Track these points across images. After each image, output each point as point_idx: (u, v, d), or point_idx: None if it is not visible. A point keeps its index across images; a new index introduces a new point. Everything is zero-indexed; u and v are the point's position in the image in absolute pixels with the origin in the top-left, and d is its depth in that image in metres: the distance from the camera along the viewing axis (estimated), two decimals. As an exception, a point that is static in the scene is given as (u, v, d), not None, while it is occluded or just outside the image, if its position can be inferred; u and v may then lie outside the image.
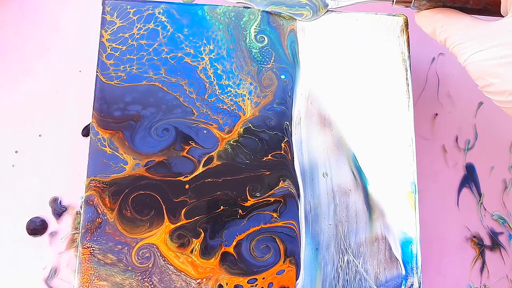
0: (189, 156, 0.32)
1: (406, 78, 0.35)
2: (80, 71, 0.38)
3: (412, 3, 0.30)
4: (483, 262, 0.38)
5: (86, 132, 0.37)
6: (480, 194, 0.39)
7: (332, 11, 0.34)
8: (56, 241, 0.36)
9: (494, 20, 0.28)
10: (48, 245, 0.35)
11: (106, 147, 0.32)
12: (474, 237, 0.39)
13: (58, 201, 0.36)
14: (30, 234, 0.35)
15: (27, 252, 0.35)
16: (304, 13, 0.34)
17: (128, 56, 0.34)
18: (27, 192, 0.36)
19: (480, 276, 0.38)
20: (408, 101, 0.34)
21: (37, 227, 0.35)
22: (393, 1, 0.31)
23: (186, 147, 0.33)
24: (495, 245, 0.38)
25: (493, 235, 0.39)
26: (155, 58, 0.34)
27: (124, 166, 0.32)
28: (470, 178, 0.40)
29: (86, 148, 0.32)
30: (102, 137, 0.32)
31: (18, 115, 0.37)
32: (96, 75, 0.33)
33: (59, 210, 0.36)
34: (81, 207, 0.36)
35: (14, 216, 0.36)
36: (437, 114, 0.41)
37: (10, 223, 0.35)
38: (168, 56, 0.34)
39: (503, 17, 0.28)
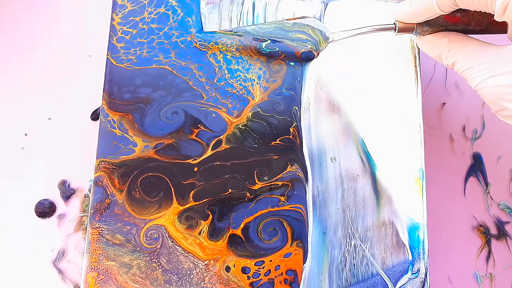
0: (198, 139, 0.33)
1: (415, 65, 0.35)
2: (90, 56, 0.39)
3: (415, 30, 0.30)
4: (489, 251, 0.38)
5: (95, 116, 0.38)
6: (487, 184, 0.39)
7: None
8: (64, 223, 0.36)
9: (493, 38, 0.28)
10: (56, 227, 0.36)
11: (115, 129, 0.32)
12: (481, 226, 0.39)
13: (67, 184, 0.36)
14: (39, 216, 0.36)
15: (35, 234, 0.35)
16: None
17: (138, 40, 0.34)
18: (36, 175, 0.36)
19: (486, 265, 0.38)
20: (416, 88, 0.34)
21: (45, 209, 0.36)
22: (395, 30, 0.30)
23: (195, 130, 0.33)
24: (501, 234, 0.38)
25: (500, 225, 0.39)
26: (165, 41, 0.34)
27: (134, 148, 0.32)
28: (477, 167, 0.40)
29: (95, 132, 0.32)
30: (112, 119, 0.32)
31: (28, 99, 0.37)
32: (107, 57, 0.33)
33: (67, 192, 0.36)
34: (89, 190, 0.36)
35: (23, 198, 0.36)
36: (444, 104, 0.41)
37: (19, 205, 0.36)
38: (178, 40, 0.34)
39: (506, 31, 0.28)
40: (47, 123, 0.37)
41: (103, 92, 0.33)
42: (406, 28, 0.30)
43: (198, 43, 0.33)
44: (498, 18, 0.26)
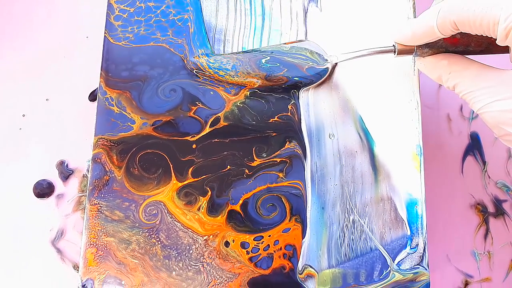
0: (196, 116, 0.33)
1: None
2: (87, 37, 0.39)
3: (414, 52, 0.30)
4: (487, 229, 0.38)
5: (93, 97, 0.38)
6: (484, 162, 0.40)
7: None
8: (62, 203, 0.36)
9: (493, 60, 0.27)
10: (55, 207, 0.36)
11: (113, 106, 0.32)
12: (478, 204, 0.39)
13: (65, 164, 0.36)
14: (37, 197, 0.36)
15: (34, 214, 0.35)
16: None
17: (136, 18, 0.34)
18: (34, 155, 0.36)
19: (484, 243, 0.38)
20: (413, 65, 0.35)
21: (44, 190, 0.36)
22: (394, 53, 0.30)
23: (193, 107, 0.33)
24: (499, 212, 0.39)
25: (497, 203, 0.39)
26: (163, 20, 0.34)
27: (132, 125, 0.32)
28: (474, 147, 0.40)
29: (93, 113, 0.32)
30: (109, 96, 0.32)
31: (25, 80, 0.37)
32: (104, 36, 0.33)
33: (66, 173, 0.36)
34: (87, 171, 0.36)
35: (21, 178, 0.36)
36: (441, 85, 0.41)
37: (18, 186, 0.36)
38: (176, 18, 0.34)
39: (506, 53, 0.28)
40: (45, 104, 0.37)
41: (101, 70, 0.33)
42: (405, 50, 0.30)
43: (194, 69, 0.33)
44: (500, 42, 0.25)
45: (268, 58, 0.33)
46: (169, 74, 0.33)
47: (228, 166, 0.32)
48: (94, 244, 0.30)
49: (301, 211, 0.32)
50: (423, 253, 0.32)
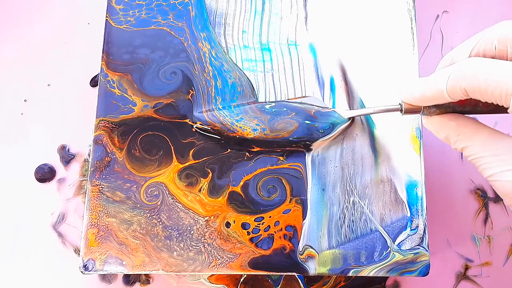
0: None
1: (411, 27, 0.35)
2: (88, 23, 0.39)
3: (422, 111, 0.28)
4: (487, 214, 0.38)
5: (94, 83, 0.38)
6: (483, 148, 0.40)
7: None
8: (64, 187, 0.36)
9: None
10: (56, 192, 0.36)
11: (115, 89, 0.32)
12: (478, 189, 0.39)
13: (66, 149, 0.36)
14: (39, 181, 0.36)
15: (35, 198, 0.35)
16: None
17: (137, 2, 0.34)
18: (36, 140, 0.36)
19: (483, 227, 0.38)
20: (413, 48, 0.35)
21: (45, 174, 0.36)
22: (401, 111, 0.29)
23: (191, 91, 0.33)
24: (499, 197, 0.39)
25: (497, 188, 0.39)
26: (164, 3, 0.34)
27: (133, 107, 0.32)
28: (474, 132, 0.40)
29: (94, 98, 0.33)
30: (111, 79, 0.33)
31: (27, 65, 0.38)
32: (106, 19, 0.33)
33: (67, 157, 0.36)
34: (89, 155, 0.36)
35: (23, 163, 0.36)
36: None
37: (19, 170, 0.36)
38: (176, 2, 0.34)
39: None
40: (46, 89, 0.37)
41: (102, 52, 0.33)
42: (412, 109, 0.28)
43: (199, 126, 0.32)
44: None
45: (273, 104, 0.33)
46: (170, 57, 0.33)
47: (229, 150, 0.32)
48: (96, 225, 0.30)
49: (301, 193, 0.32)
50: (423, 235, 0.32)
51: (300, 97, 0.33)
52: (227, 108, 0.32)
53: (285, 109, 0.32)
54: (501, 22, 0.25)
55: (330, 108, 0.33)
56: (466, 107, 0.27)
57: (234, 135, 0.32)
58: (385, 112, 0.30)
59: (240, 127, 0.32)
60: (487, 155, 0.26)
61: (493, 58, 0.24)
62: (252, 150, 0.32)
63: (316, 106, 0.33)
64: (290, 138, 0.32)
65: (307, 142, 0.32)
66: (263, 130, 0.32)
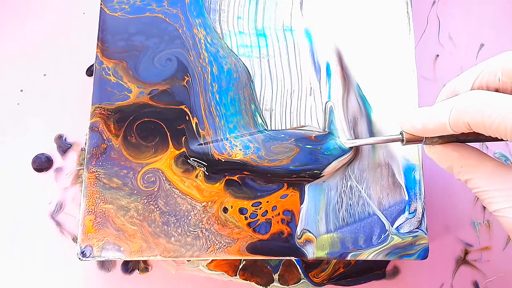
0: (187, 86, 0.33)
1: (407, 12, 0.35)
2: (84, 13, 0.39)
3: (424, 141, 0.28)
4: (486, 198, 0.38)
5: (90, 72, 0.38)
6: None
7: None
8: (61, 177, 0.36)
9: None
10: (54, 181, 0.36)
11: (110, 76, 0.32)
12: (477, 174, 0.39)
13: (63, 138, 0.36)
14: (36, 170, 0.36)
15: (32, 188, 0.35)
16: None
17: (131, -11, 0.34)
18: (33, 130, 0.36)
19: (483, 212, 0.38)
20: (409, 32, 0.35)
21: (42, 163, 0.36)
22: (402, 141, 0.28)
23: (186, 77, 0.33)
24: (498, 181, 0.39)
25: (496, 172, 0.39)
26: (158, -10, 0.34)
27: (129, 94, 0.32)
28: (472, 117, 0.40)
29: (90, 87, 0.33)
30: (106, 66, 0.33)
31: (23, 55, 0.38)
32: (101, 7, 0.33)
33: (64, 146, 0.36)
34: (85, 144, 0.36)
35: (20, 153, 0.36)
36: (438, 56, 0.41)
37: (16, 160, 0.36)
38: (171, -11, 0.34)
39: None
40: (42, 79, 0.37)
41: (97, 40, 0.33)
42: (414, 139, 0.27)
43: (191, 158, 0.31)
44: None
45: (270, 132, 0.32)
46: (165, 44, 0.33)
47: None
48: (93, 211, 0.30)
49: (298, 177, 0.32)
50: (421, 218, 0.32)
51: (299, 127, 0.33)
52: (224, 140, 0.31)
53: (282, 135, 0.32)
54: (505, 52, 0.24)
55: (335, 136, 0.32)
56: (469, 136, 0.27)
57: (221, 156, 0.31)
58: (386, 142, 0.30)
59: (230, 141, 0.31)
60: (492, 189, 0.25)
61: (497, 90, 0.24)
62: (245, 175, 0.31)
63: (316, 131, 0.32)
64: (291, 167, 0.31)
65: (315, 172, 0.31)
66: (256, 150, 0.31)
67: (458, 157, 0.26)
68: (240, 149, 0.31)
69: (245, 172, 0.31)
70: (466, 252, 0.37)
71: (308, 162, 0.31)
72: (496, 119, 0.22)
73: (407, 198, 0.32)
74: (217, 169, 0.31)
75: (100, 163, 0.31)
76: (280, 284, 0.35)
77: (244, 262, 0.35)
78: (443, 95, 0.27)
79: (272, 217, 0.31)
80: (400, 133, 0.28)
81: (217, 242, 0.31)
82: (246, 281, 0.35)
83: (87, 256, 0.30)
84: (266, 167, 0.31)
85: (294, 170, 0.31)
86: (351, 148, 0.32)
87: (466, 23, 0.41)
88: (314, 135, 0.32)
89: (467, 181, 0.26)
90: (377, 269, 0.37)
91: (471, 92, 0.23)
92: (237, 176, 0.31)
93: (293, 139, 0.31)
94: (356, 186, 0.32)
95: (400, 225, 0.32)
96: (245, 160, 0.31)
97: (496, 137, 0.24)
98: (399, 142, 0.29)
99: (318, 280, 0.36)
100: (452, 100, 0.24)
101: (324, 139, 0.32)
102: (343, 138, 0.32)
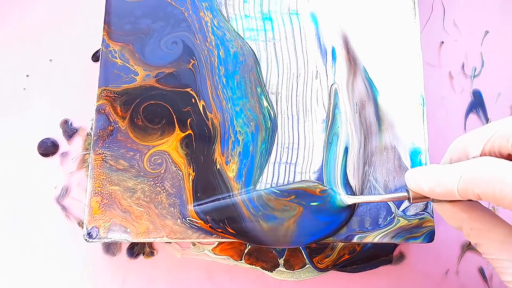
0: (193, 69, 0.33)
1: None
2: (89, -1, 0.39)
3: (432, 199, 0.26)
4: (492, 184, 0.38)
5: (96, 58, 0.38)
6: (487, 120, 0.40)
7: None
8: (67, 161, 0.36)
9: None
10: (59, 166, 0.36)
11: (117, 59, 0.32)
12: (482, 160, 0.39)
13: (69, 123, 0.36)
14: (42, 155, 0.36)
15: (38, 172, 0.35)
16: None
17: (137, -27, 0.34)
18: (38, 115, 0.36)
19: (488, 198, 0.38)
20: (414, 16, 0.35)
21: (48, 148, 0.36)
22: (409, 200, 0.27)
23: (192, 60, 0.33)
24: (503, 167, 0.38)
25: (501, 158, 0.39)
26: (164, -26, 0.34)
27: (135, 77, 0.32)
28: (477, 104, 0.40)
29: (96, 72, 0.33)
30: (112, 49, 0.33)
31: (28, 40, 0.38)
32: (106, -10, 0.33)
33: (70, 131, 0.36)
34: (91, 129, 0.36)
35: (25, 137, 0.36)
36: (443, 42, 0.41)
37: (22, 145, 0.36)
38: (177, -28, 0.34)
39: None
40: (48, 64, 0.37)
41: (104, 23, 0.33)
42: (421, 198, 0.26)
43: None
44: None
45: (267, 189, 0.30)
46: (171, 27, 0.33)
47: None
48: (99, 193, 0.30)
49: (305, 160, 0.32)
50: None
51: (298, 181, 0.31)
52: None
53: (279, 191, 0.30)
54: None
55: (339, 194, 0.30)
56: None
57: None
58: (392, 200, 0.29)
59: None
60: (504, 258, 0.23)
61: (509, 155, 0.22)
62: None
63: (320, 185, 0.30)
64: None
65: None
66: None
67: (467, 219, 0.25)
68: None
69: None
70: (472, 238, 0.37)
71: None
72: (508, 193, 0.20)
73: (413, 181, 0.32)
74: None
75: (107, 145, 0.31)
76: (286, 269, 0.35)
77: (249, 246, 0.35)
78: (453, 152, 0.25)
79: (279, 199, 0.31)
80: (407, 190, 0.27)
81: (223, 223, 0.30)
82: (251, 266, 0.35)
83: (94, 237, 0.30)
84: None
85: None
86: (350, 205, 0.30)
87: (471, 10, 0.41)
88: (318, 190, 0.30)
89: (477, 245, 0.25)
90: (383, 255, 0.37)
91: (482, 160, 0.22)
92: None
93: (293, 196, 0.29)
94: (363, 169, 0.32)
95: (406, 208, 0.32)
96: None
97: None
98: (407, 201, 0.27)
99: (322, 266, 0.36)
100: (461, 166, 0.23)
101: (328, 196, 0.30)
102: (344, 196, 0.30)
